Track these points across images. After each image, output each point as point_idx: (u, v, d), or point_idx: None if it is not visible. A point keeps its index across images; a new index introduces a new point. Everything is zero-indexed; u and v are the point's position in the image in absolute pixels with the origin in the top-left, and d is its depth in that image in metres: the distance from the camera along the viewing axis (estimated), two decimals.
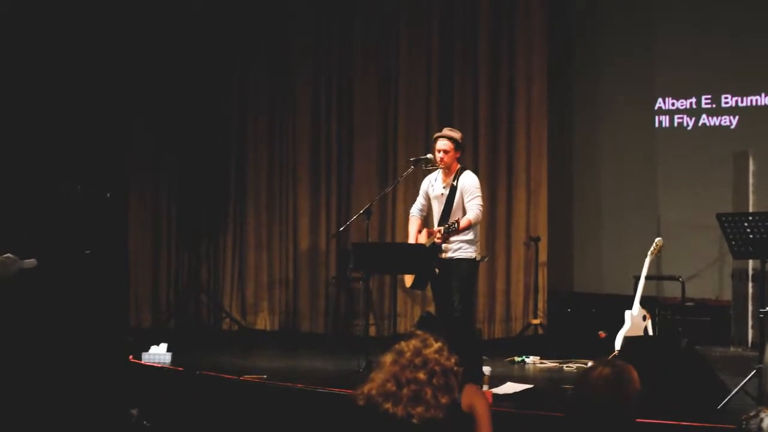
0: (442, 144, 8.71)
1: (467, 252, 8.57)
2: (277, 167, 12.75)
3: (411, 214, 9.15)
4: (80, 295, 11.42)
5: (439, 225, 8.67)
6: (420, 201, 9.07)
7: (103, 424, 6.79)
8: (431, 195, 8.92)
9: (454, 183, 8.69)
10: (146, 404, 7.28)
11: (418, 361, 4.20)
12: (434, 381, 4.17)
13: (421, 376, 4.17)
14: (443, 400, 4.17)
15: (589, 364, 9.18)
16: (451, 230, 8.35)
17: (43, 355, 8.84)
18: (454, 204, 8.65)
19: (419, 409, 4.13)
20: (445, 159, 8.69)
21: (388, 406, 4.17)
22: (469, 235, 8.62)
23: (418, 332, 4.33)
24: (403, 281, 9.37)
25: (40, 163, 12.27)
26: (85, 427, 6.61)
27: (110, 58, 12.52)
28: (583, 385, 3.94)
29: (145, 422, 6.75)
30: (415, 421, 4.13)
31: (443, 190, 8.75)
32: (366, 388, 4.27)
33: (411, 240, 8.99)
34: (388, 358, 4.30)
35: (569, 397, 4.03)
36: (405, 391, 4.16)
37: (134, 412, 6.81)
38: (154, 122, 12.81)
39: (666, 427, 6.50)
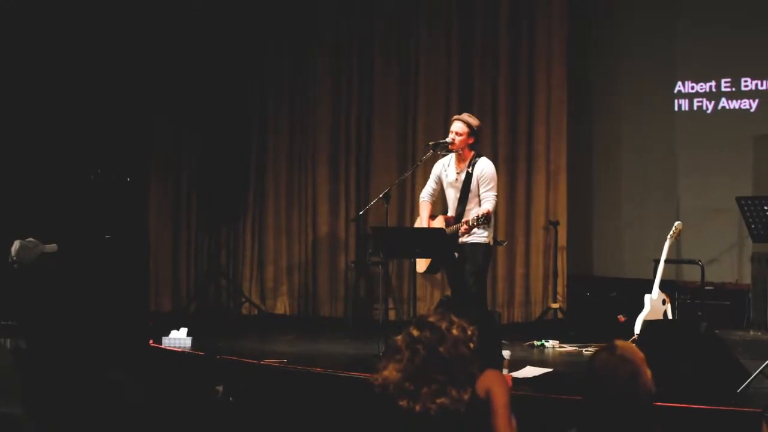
0: (456, 126, 8.63)
1: (481, 237, 8.52)
2: (297, 152, 12.77)
3: (422, 199, 8.98)
4: (100, 279, 11.48)
5: (456, 212, 8.61)
6: (431, 185, 8.94)
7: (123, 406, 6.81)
8: (444, 181, 8.81)
9: (470, 170, 8.59)
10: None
11: (435, 359, 4.12)
12: (456, 378, 4.11)
13: (441, 376, 4.10)
14: (465, 397, 4.12)
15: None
16: (480, 223, 8.26)
17: (63, 338, 8.89)
18: (470, 191, 8.59)
19: (439, 401, 4.08)
20: (457, 141, 8.59)
21: (404, 402, 4.12)
22: None
23: (432, 317, 4.24)
24: (415, 267, 9.30)
25: (61, 149, 12.33)
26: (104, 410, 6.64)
27: (133, 46, 12.56)
28: (589, 372, 3.92)
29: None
30: (432, 413, 4.09)
31: (457, 177, 8.67)
32: (381, 379, 4.22)
33: (423, 225, 8.91)
34: (402, 346, 4.22)
35: (581, 383, 3.99)
36: (425, 390, 4.09)
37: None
38: (175, 108, 12.83)
39: (686, 410, 6.50)
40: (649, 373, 3.87)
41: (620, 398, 3.81)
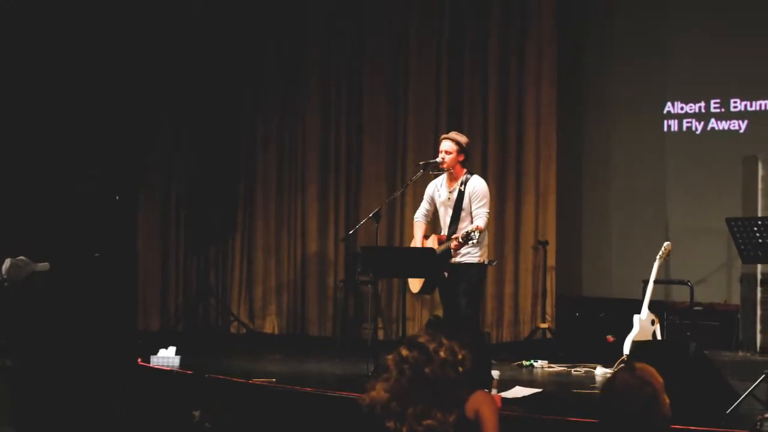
0: (445, 145, 8.60)
1: (475, 256, 8.48)
2: (286, 171, 12.76)
3: (416, 219, 8.96)
4: (89, 298, 11.46)
5: (449, 230, 8.59)
6: (424, 206, 8.92)
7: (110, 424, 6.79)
8: (437, 200, 8.79)
9: (461, 188, 8.57)
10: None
11: (421, 380, 4.07)
12: (442, 400, 4.06)
13: (427, 396, 4.05)
14: (450, 419, 4.07)
15: (608, 371, 9.22)
16: (470, 239, 8.19)
17: (53, 356, 8.87)
18: (463, 209, 8.56)
19: (425, 423, 4.05)
20: (447, 160, 8.57)
21: (390, 424, 4.07)
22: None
23: (421, 338, 4.17)
24: (409, 287, 9.28)
25: (53, 166, 12.32)
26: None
27: (122, 65, 12.57)
28: (608, 393, 3.91)
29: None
30: None
31: (449, 195, 8.65)
32: (369, 399, 4.19)
33: (417, 245, 8.88)
34: (391, 365, 4.19)
35: (598, 404, 3.98)
36: (410, 411, 4.04)
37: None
38: (163, 127, 12.86)
39: None
40: (666, 399, 3.87)
41: (637, 419, 3.80)
